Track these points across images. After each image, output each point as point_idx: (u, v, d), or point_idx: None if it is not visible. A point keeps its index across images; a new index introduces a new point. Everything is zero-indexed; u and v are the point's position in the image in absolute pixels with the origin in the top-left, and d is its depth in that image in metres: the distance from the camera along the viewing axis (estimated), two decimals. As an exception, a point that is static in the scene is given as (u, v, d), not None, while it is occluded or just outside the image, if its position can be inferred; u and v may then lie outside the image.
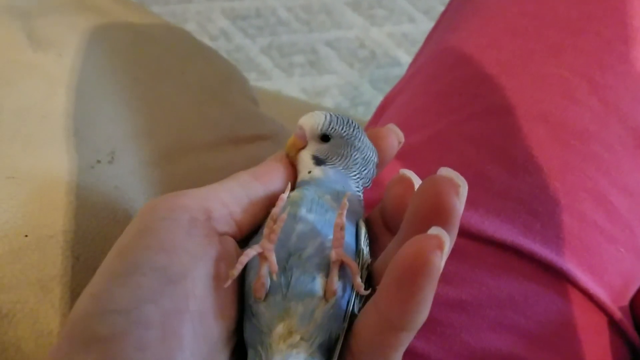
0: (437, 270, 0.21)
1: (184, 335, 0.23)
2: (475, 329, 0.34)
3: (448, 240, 0.21)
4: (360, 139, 0.29)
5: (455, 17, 0.48)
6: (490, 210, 0.36)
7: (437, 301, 0.34)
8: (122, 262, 0.24)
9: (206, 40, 1.31)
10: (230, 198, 0.27)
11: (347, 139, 0.29)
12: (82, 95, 0.37)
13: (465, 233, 0.36)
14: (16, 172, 0.33)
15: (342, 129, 0.29)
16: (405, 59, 1.38)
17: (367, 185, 0.30)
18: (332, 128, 0.29)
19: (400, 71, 1.34)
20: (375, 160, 0.29)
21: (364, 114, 1.24)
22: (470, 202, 0.36)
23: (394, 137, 0.30)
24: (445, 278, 0.35)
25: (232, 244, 0.27)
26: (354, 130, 0.29)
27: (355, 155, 0.29)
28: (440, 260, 0.21)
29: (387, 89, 1.29)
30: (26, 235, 0.31)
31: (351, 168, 0.29)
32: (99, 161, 0.35)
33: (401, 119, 0.43)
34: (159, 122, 0.40)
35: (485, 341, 0.34)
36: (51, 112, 0.35)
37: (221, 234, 0.26)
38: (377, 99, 1.28)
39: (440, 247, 0.21)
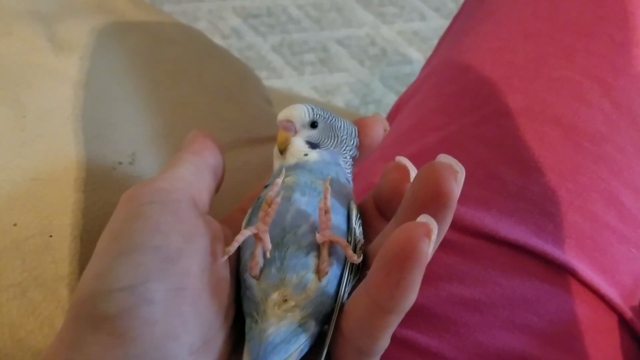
0: (425, 257, 0.21)
1: (185, 312, 0.24)
2: (488, 328, 0.35)
3: (436, 227, 0.22)
4: (337, 118, 0.31)
5: (468, 19, 0.48)
6: (503, 211, 0.37)
7: (451, 301, 0.35)
8: (119, 244, 0.24)
9: (218, 39, 1.32)
10: (195, 179, 0.28)
11: (330, 121, 0.31)
12: (103, 97, 0.38)
13: (478, 233, 0.36)
14: (40, 174, 0.33)
15: (323, 113, 0.31)
16: (416, 56, 1.38)
17: (355, 155, 0.31)
18: (317, 114, 0.30)
19: (411, 69, 1.34)
20: (356, 130, 0.31)
21: (375, 112, 1.24)
22: (483, 203, 0.37)
23: (380, 125, 0.32)
24: (458, 278, 0.35)
25: (215, 222, 0.28)
26: (328, 112, 0.31)
27: (341, 134, 0.31)
28: (428, 247, 0.22)
29: (398, 86, 1.30)
30: (51, 236, 0.32)
31: (341, 145, 0.31)
32: (120, 163, 0.36)
33: (415, 121, 0.43)
34: (177, 123, 0.41)
35: (498, 340, 0.34)
36: (73, 115, 0.36)
37: (203, 214, 0.28)
38: (388, 97, 1.28)
39: (428, 234, 0.22)
